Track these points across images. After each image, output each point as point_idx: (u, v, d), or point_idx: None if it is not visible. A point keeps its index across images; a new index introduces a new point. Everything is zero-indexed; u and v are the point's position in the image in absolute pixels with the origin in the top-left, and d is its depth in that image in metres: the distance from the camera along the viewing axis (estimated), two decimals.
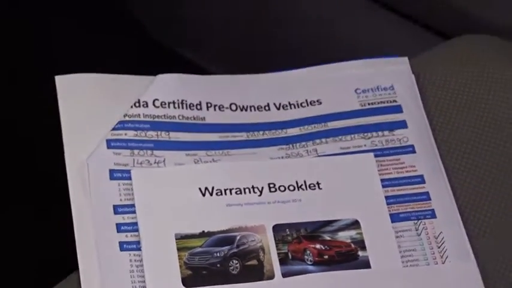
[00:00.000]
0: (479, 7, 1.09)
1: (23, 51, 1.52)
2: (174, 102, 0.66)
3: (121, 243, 0.59)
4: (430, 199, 0.61)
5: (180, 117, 0.66)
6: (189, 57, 1.33)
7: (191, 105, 0.67)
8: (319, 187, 0.59)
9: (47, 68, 1.41)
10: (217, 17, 1.41)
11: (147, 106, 0.65)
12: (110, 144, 0.62)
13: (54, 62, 1.50)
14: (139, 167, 0.62)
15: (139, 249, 0.58)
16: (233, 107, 0.67)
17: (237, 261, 0.57)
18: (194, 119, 0.66)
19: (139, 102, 0.65)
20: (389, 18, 1.23)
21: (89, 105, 0.67)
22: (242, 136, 0.66)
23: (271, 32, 1.30)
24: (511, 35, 0.85)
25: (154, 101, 0.66)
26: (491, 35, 0.82)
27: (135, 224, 0.60)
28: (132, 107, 0.65)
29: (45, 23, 1.63)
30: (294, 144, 0.65)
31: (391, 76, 0.69)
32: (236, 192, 0.61)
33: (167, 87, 0.68)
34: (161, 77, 0.67)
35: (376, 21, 1.25)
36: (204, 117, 0.67)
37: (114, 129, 0.64)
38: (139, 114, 0.65)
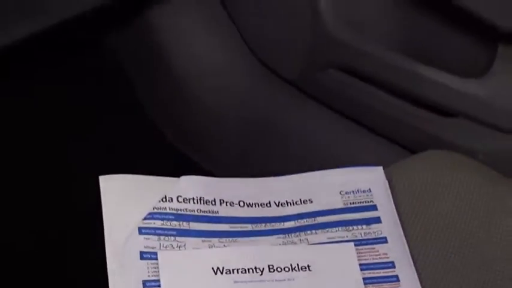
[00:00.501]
0: (439, 130, 1.17)
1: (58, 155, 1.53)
2: (193, 199, 0.75)
3: None
4: (399, 281, 0.69)
5: (198, 211, 0.75)
6: (196, 160, 1.41)
7: (207, 201, 0.76)
8: (309, 269, 0.69)
9: (78, 167, 1.49)
10: (228, 131, 1.50)
11: (172, 201, 0.74)
12: (141, 231, 0.70)
13: (84, 163, 1.53)
14: (165, 250, 0.71)
15: None
16: (241, 204, 0.77)
17: None
18: (209, 212, 0.75)
19: (165, 197, 0.74)
20: (367, 135, 1.32)
21: (125, 200, 0.76)
22: (248, 227, 0.75)
23: (271, 145, 1.43)
24: (467, 153, 0.92)
25: (177, 197, 0.74)
26: (451, 150, 0.91)
27: None
28: (160, 201, 0.73)
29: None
30: (290, 234, 0.74)
31: (368, 182, 0.79)
32: (242, 272, 0.69)
33: (188, 187, 0.76)
34: (184, 178, 0.77)
35: (355, 137, 1.35)
36: (217, 211, 0.76)
37: (145, 219, 0.72)
38: (165, 208, 0.73)
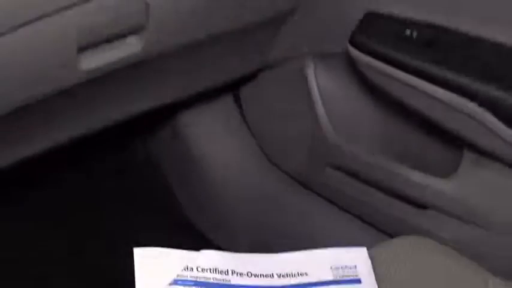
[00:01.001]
0: (415, 219, 1.23)
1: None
2: (210, 269, 0.81)
3: None
4: None
5: (213, 279, 0.80)
6: (212, 238, 1.47)
7: (221, 271, 0.81)
8: None
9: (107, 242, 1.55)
10: (242, 214, 1.54)
11: (192, 271, 0.79)
12: None
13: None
14: None
15: None
16: (249, 274, 0.81)
17: None
18: (223, 281, 0.80)
19: (187, 267, 0.80)
20: (354, 220, 1.37)
21: (154, 268, 0.80)
22: None
23: (277, 225, 1.48)
24: (438, 239, 0.94)
25: (197, 267, 0.80)
26: (423, 235, 0.95)
27: None
28: (182, 270, 0.80)
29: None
30: None
31: (354, 259, 0.84)
32: None
33: (206, 259, 0.81)
34: (203, 252, 0.82)
35: (345, 222, 1.39)
36: (229, 280, 0.81)
37: (170, 284, 0.78)
38: (187, 276, 0.79)
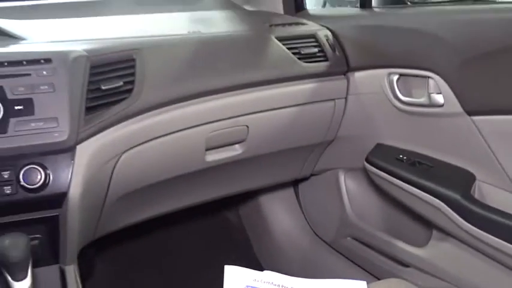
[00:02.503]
0: (400, 272, 1.29)
1: None
2: (269, 282, 0.84)
3: None
4: None
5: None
6: None
7: (276, 284, 0.84)
8: None
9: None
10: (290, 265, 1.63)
11: (258, 282, 0.83)
12: None
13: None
14: None
15: None
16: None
17: None
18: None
19: (256, 279, 0.83)
20: (358, 269, 1.47)
21: (235, 278, 0.83)
22: None
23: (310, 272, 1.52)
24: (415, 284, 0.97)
25: (261, 280, 0.83)
26: (402, 279, 1.00)
27: None
28: (253, 281, 0.83)
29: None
30: None
31: None
32: None
33: (268, 276, 0.85)
34: (266, 271, 0.85)
35: (353, 270, 1.49)
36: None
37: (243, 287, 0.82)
38: (255, 284, 0.83)
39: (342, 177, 1.48)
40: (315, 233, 1.66)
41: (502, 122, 1.03)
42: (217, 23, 1.33)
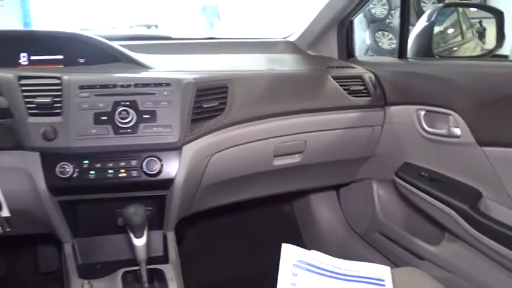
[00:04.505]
0: (417, 264, 1.24)
1: None
2: (315, 259, 0.80)
3: None
4: None
5: (317, 265, 0.80)
6: None
7: (320, 261, 0.81)
8: None
9: None
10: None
11: (307, 258, 0.80)
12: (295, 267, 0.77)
13: None
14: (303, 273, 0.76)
15: None
16: (334, 267, 0.81)
17: None
18: (321, 266, 0.80)
19: (305, 256, 0.80)
20: (384, 259, 1.41)
21: (287, 255, 0.80)
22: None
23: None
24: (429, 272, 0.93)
25: (309, 257, 0.80)
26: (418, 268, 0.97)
27: None
28: (303, 256, 0.80)
29: None
30: None
31: (382, 271, 0.82)
32: None
33: (314, 254, 0.82)
34: (313, 251, 0.82)
35: (379, 257, 1.44)
36: (324, 267, 0.81)
37: (294, 263, 0.79)
38: (304, 260, 0.80)
39: (375, 186, 1.46)
40: (351, 227, 1.63)
41: (506, 153, 1.00)
42: (288, 63, 1.35)
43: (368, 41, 3.50)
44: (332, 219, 1.67)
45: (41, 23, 4.90)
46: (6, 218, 0.89)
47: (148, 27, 5.89)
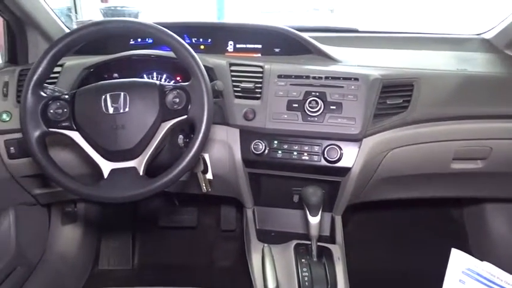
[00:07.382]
0: None
1: None
2: (484, 270, 0.83)
3: None
4: None
5: (487, 276, 0.83)
6: None
7: (491, 274, 0.83)
8: None
9: None
10: None
11: (477, 267, 0.84)
12: None
13: None
14: None
15: None
16: (504, 281, 0.82)
17: None
18: (493, 280, 0.83)
19: (474, 265, 0.83)
20: None
21: (460, 266, 0.84)
22: None
23: None
24: None
25: (478, 267, 0.85)
26: None
27: None
28: (473, 265, 0.84)
29: None
30: None
31: None
32: None
33: (485, 266, 0.84)
34: (485, 262, 0.84)
35: None
36: (497, 282, 0.82)
37: (463, 270, 0.83)
38: (473, 271, 0.84)
39: None
40: None
41: None
42: (481, 63, 1.25)
43: None
44: (507, 232, 1.55)
45: (229, 4, 5.22)
46: (209, 180, 1.04)
47: (329, 11, 5.85)
